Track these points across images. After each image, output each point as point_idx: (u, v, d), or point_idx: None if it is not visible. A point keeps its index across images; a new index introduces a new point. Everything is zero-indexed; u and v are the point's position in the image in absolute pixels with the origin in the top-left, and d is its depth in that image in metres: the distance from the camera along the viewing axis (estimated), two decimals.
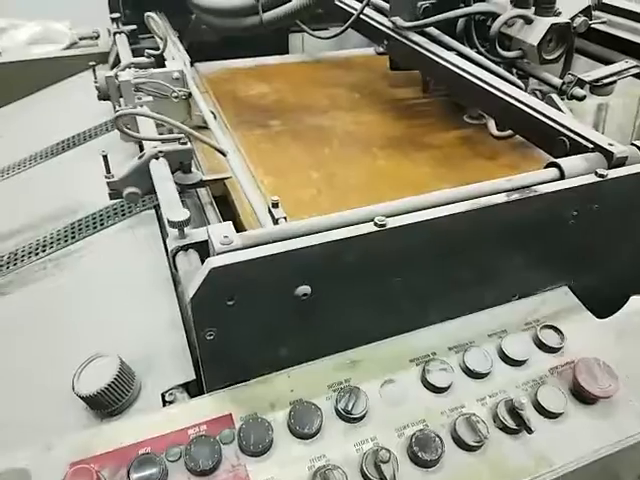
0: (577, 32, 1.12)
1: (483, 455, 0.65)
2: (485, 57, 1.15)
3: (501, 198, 0.69)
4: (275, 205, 0.73)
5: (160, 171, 0.89)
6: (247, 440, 0.62)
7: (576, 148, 0.82)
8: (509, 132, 1.24)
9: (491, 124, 1.28)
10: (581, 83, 1.05)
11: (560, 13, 1.12)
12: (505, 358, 0.73)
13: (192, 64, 1.51)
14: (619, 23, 1.28)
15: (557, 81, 1.09)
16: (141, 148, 1.03)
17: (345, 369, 0.71)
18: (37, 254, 1.01)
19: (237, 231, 0.63)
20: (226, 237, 0.61)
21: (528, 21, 1.12)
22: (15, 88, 1.63)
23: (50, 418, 0.71)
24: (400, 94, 1.56)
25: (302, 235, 0.62)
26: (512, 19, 1.13)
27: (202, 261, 0.69)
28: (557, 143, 0.86)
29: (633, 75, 1.10)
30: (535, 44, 1.09)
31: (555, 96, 0.97)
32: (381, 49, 1.36)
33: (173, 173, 0.91)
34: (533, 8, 1.12)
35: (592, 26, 1.16)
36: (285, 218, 0.72)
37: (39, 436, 0.63)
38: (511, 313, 0.80)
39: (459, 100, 1.40)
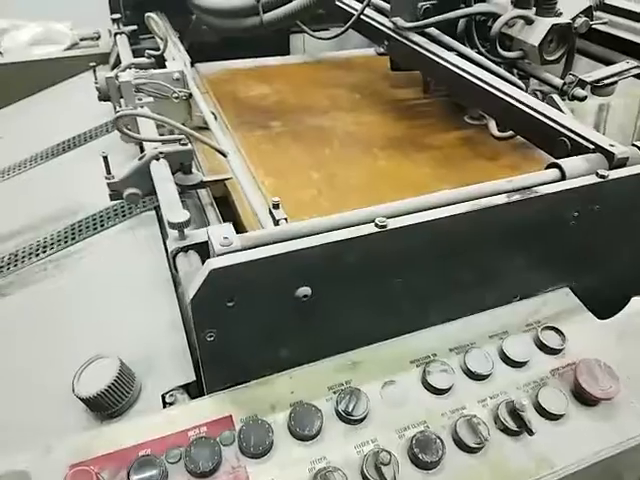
0: (578, 32, 1.12)
1: (484, 457, 0.65)
2: (486, 57, 1.15)
3: (502, 199, 0.69)
4: (276, 206, 0.73)
5: (160, 172, 0.89)
6: (247, 442, 0.62)
7: (577, 149, 0.82)
8: (510, 133, 1.23)
9: (492, 125, 1.28)
10: (582, 83, 1.04)
11: (561, 13, 1.11)
12: (506, 359, 0.73)
13: (192, 65, 1.50)
14: (620, 23, 1.28)
15: (558, 82, 1.09)
16: (141, 149, 1.03)
17: (346, 370, 0.71)
18: (37, 255, 1.01)
19: (238, 232, 0.63)
20: (226, 238, 0.61)
21: (529, 21, 1.12)
22: (16, 89, 1.63)
23: (50, 420, 0.71)
24: (401, 95, 1.55)
25: (303, 236, 0.62)
26: (513, 19, 1.13)
27: (202, 262, 0.68)
28: (558, 144, 0.86)
29: (634, 75, 1.10)
30: (536, 44, 1.09)
31: (556, 97, 0.97)
32: (382, 50, 1.36)
33: (173, 174, 0.91)
34: (534, 8, 1.12)
35: (593, 26, 1.16)
36: (286, 219, 0.72)
37: (39, 438, 0.63)
38: (512, 314, 0.80)
39: (460, 101, 1.39)
